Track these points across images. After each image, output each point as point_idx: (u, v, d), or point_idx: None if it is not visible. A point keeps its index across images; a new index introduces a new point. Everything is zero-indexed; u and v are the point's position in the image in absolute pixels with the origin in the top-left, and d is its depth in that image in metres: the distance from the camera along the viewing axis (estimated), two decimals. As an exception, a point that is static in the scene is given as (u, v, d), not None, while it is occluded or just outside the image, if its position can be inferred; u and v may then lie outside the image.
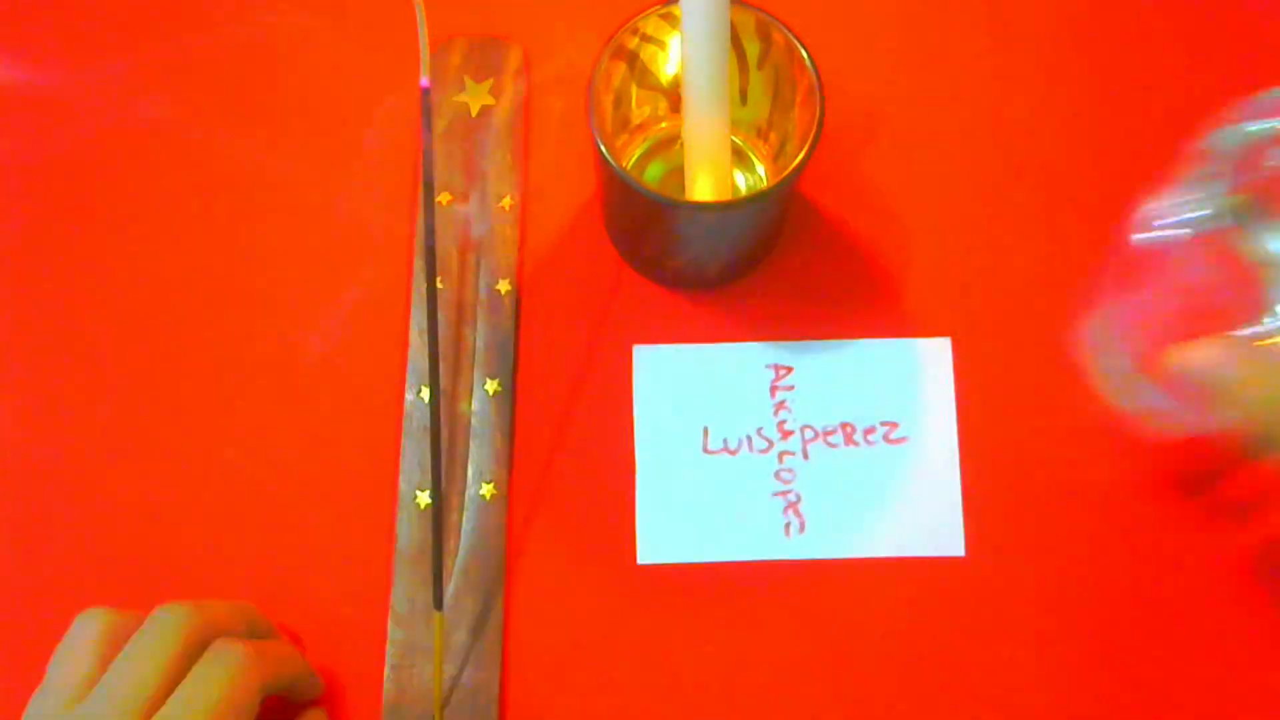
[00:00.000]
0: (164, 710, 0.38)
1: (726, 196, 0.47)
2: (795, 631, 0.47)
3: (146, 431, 0.49)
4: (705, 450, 0.49)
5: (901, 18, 0.56)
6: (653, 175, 0.51)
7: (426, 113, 0.40)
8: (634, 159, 0.51)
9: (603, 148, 0.44)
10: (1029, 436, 0.49)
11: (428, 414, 0.48)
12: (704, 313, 0.51)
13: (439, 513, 0.44)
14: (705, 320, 0.51)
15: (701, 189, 0.47)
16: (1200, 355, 0.36)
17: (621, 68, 0.47)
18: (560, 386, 0.50)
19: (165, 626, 0.40)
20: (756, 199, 0.45)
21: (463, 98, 0.54)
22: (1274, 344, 0.34)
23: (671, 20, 0.46)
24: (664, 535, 0.48)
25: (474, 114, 0.53)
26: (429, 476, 0.47)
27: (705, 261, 0.49)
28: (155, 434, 0.49)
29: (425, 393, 0.49)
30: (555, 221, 0.52)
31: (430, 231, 0.41)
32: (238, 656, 0.40)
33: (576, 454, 0.49)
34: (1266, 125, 0.34)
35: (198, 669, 0.40)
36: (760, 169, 0.50)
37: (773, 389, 0.49)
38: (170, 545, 0.48)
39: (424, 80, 0.39)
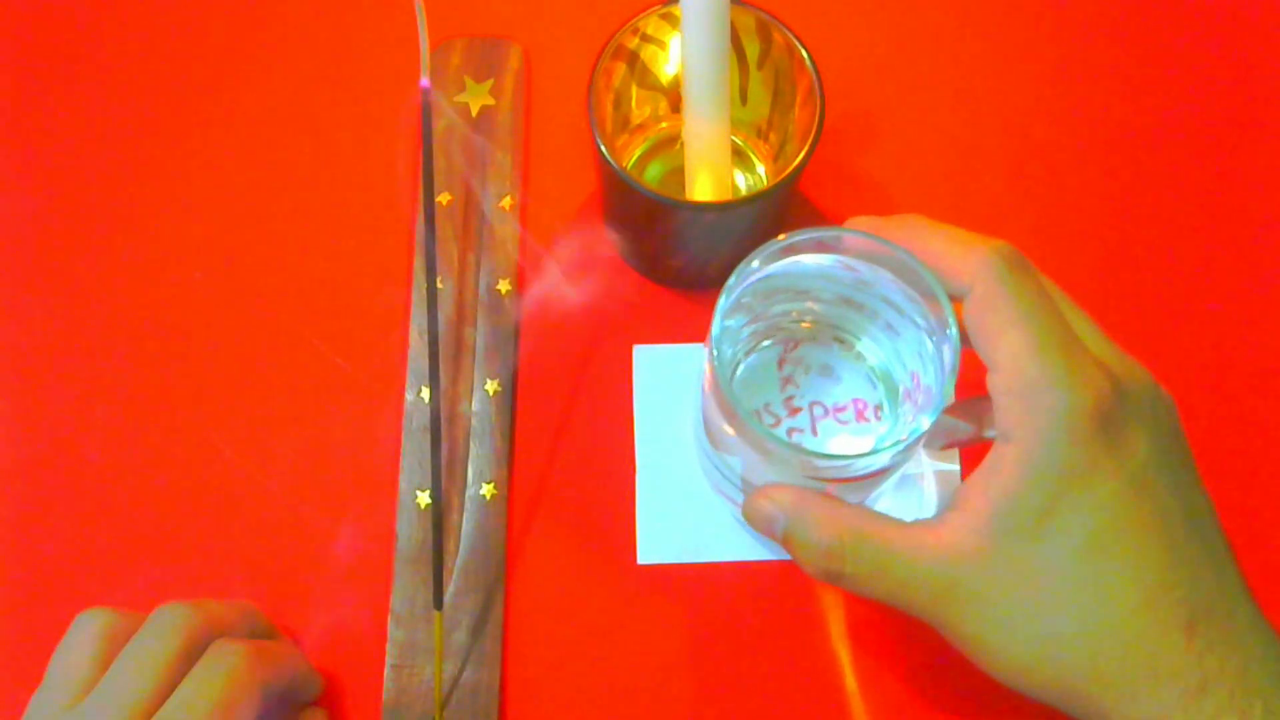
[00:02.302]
0: (163, 711, 0.38)
1: (726, 196, 0.47)
2: (795, 631, 0.47)
3: (146, 431, 0.49)
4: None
5: (901, 18, 0.56)
6: (653, 175, 0.51)
7: (426, 113, 0.40)
8: (634, 159, 0.51)
9: (603, 148, 0.44)
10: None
11: (428, 414, 0.48)
12: (704, 312, 0.50)
13: (439, 513, 0.44)
14: (705, 320, 0.50)
15: (701, 189, 0.47)
16: (758, 506, 0.38)
17: (621, 68, 0.47)
18: (560, 386, 0.50)
19: (165, 627, 0.40)
20: (756, 199, 0.45)
21: (463, 98, 0.54)
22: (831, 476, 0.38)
23: (671, 20, 0.46)
24: (664, 535, 0.48)
25: (474, 114, 0.53)
26: (429, 476, 0.47)
27: (705, 261, 0.49)
28: (155, 434, 0.49)
29: (425, 393, 0.49)
30: (555, 221, 0.52)
31: (431, 231, 0.41)
32: (238, 657, 0.40)
33: (576, 454, 0.49)
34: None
35: (197, 670, 0.40)
36: (760, 169, 0.50)
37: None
38: (170, 545, 0.48)
39: (424, 80, 0.39)
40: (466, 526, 0.48)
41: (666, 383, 0.50)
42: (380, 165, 0.53)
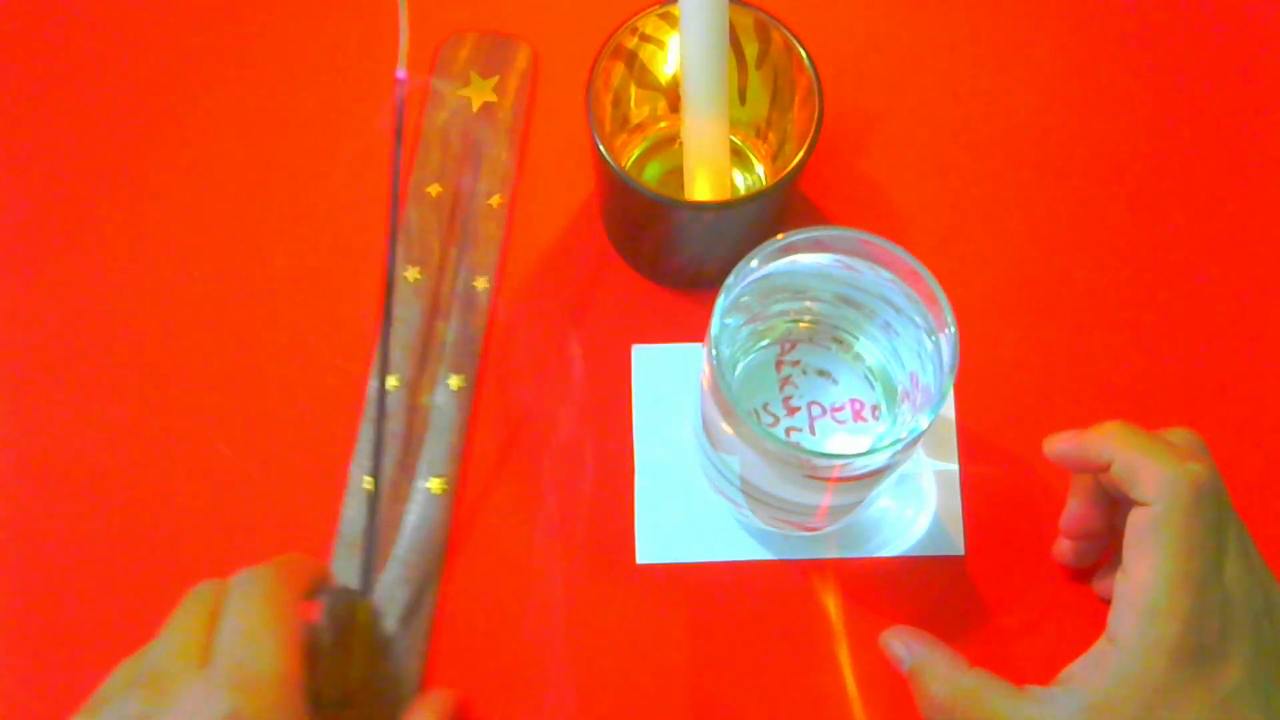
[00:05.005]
0: (217, 642, 0.39)
1: (725, 196, 0.47)
2: (795, 631, 0.47)
3: (142, 429, 0.49)
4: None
5: (900, 18, 0.56)
6: (651, 175, 0.51)
7: (400, 106, 0.40)
8: (633, 158, 0.51)
9: (601, 147, 0.44)
10: (1029, 435, 0.49)
11: (389, 402, 0.48)
12: (703, 312, 0.50)
13: (376, 500, 0.45)
14: (704, 320, 0.50)
15: (700, 189, 0.47)
16: (890, 643, 0.43)
17: (620, 67, 0.47)
18: (559, 386, 0.50)
19: (195, 591, 0.41)
20: (755, 199, 0.45)
21: (466, 91, 0.54)
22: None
23: (670, 20, 0.46)
24: (663, 535, 0.48)
25: (475, 109, 0.53)
26: (381, 463, 0.47)
27: (704, 261, 0.49)
28: (149, 431, 0.49)
29: (390, 381, 0.49)
30: (555, 221, 0.52)
31: (394, 223, 0.41)
32: (262, 573, 0.41)
33: (575, 453, 0.49)
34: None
35: (231, 596, 0.40)
36: (759, 169, 0.50)
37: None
38: (170, 544, 0.48)
39: (400, 72, 0.40)
40: (410, 518, 0.48)
41: (665, 382, 0.50)
42: (372, 155, 0.53)
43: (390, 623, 0.46)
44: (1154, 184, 0.53)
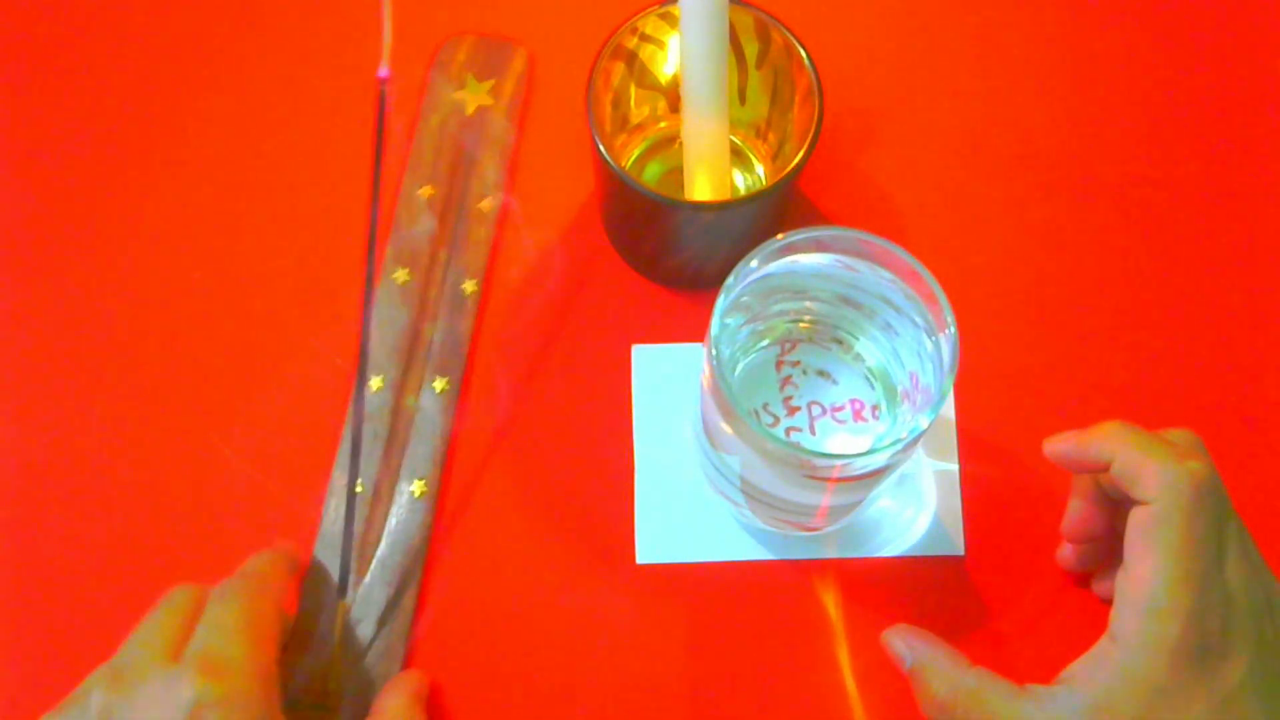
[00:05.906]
0: (190, 641, 0.39)
1: (725, 196, 0.47)
2: (795, 631, 0.47)
3: (143, 429, 0.49)
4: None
5: (900, 18, 0.56)
6: (651, 175, 0.51)
7: (381, 104, 0.40)
8: (633, 158, 0.51)
9: (601, 147, 0.44)
10: (1029, 435, 0.49)
11: (373, 404, 0.48)
12: (703, 312, 0.50)
13: (352, 502, 0.44)
14: (704, 320, 0.50)
15: (700, 189, 0.47)
16: (891, 641, 0.43)
17: (620, 67, 0.47)
18: (558, 386, 0.50)
19: (170, 595, 0.42)
20: (755, 199, 0.45)
21: (461, 94, 0.54)
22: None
23: (670, 20, 0.46)
24: (663, 535, 0.48)
25: (469, 112, 0.53)
26: (359, 466, 0.47)
27: (704, 261, 0.49)
28: (150, 432, 0.49)
29: (374, 383, 0.49)
30: (549, 223, 0.52)
31: (373, 224, 0.41)
32: (241, 583, 0.41)
33: (575, 453, 0.49)
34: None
35: (209, 604, 0.41)
36: (759, 169, 0.50)
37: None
38: (169, 543, 0.48)
39: (383, 70, 0.39)
40: (391, 521, 0.48)
41: (665, 382, 0.50)
42: (363, 156, 0.53)
43: (368, 624, 0.46)
44: (1154, 184, 0.53)
